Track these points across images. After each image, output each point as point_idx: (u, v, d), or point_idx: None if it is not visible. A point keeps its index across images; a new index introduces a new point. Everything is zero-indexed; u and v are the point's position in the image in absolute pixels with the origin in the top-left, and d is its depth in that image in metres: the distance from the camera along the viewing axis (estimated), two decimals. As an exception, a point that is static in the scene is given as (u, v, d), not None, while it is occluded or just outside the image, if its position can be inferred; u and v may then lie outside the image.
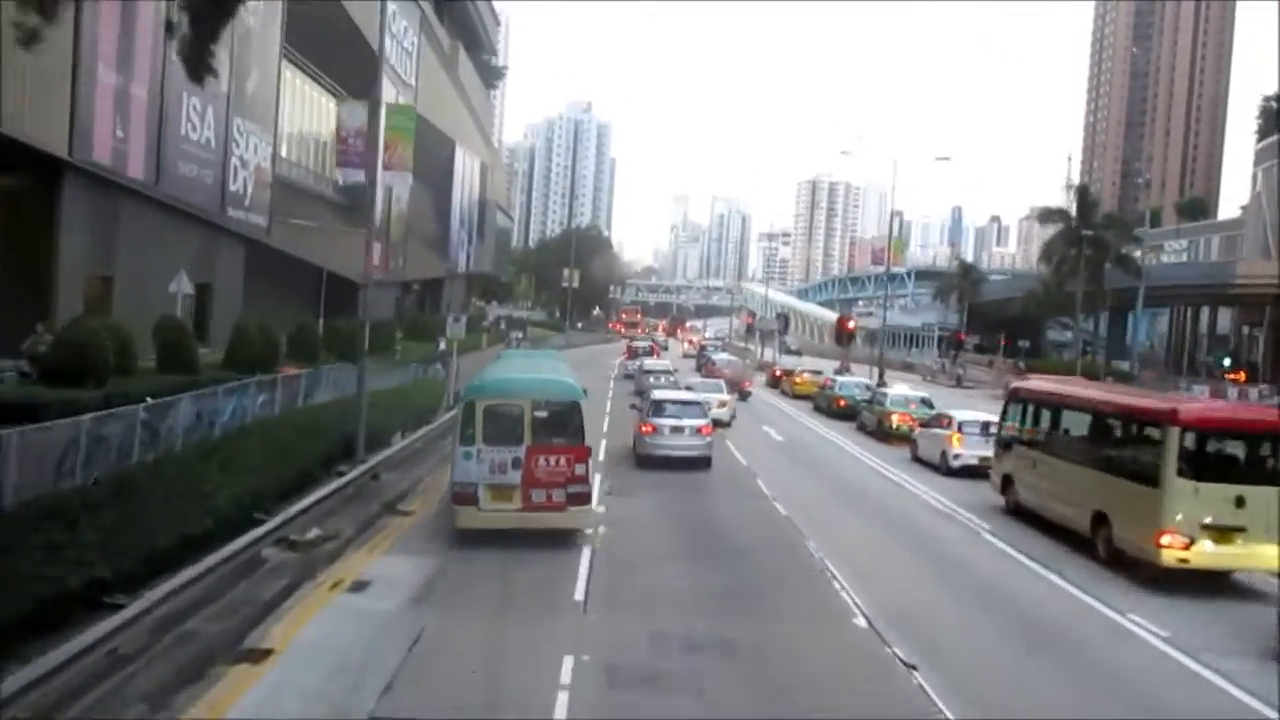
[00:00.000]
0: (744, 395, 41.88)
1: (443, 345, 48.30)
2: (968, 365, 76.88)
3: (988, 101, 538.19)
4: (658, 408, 24.24)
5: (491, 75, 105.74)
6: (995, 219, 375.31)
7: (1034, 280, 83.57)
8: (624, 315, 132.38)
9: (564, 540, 15.76)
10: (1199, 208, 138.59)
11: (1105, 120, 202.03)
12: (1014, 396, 20.84)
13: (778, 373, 47.79)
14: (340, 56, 48.40)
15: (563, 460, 15.39)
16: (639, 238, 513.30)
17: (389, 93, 59.88)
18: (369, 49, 57.51)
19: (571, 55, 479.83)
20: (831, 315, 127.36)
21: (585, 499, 15.75)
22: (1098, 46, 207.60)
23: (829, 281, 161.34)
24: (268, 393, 21.76)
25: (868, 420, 31.32)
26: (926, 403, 29.51)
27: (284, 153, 46.32)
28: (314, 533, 15.08)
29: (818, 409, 37.97)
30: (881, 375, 47.12)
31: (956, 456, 23.55)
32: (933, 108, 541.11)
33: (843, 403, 34.89)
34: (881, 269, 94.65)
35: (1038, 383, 22.49)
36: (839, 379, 37.43)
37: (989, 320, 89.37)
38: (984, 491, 21.27)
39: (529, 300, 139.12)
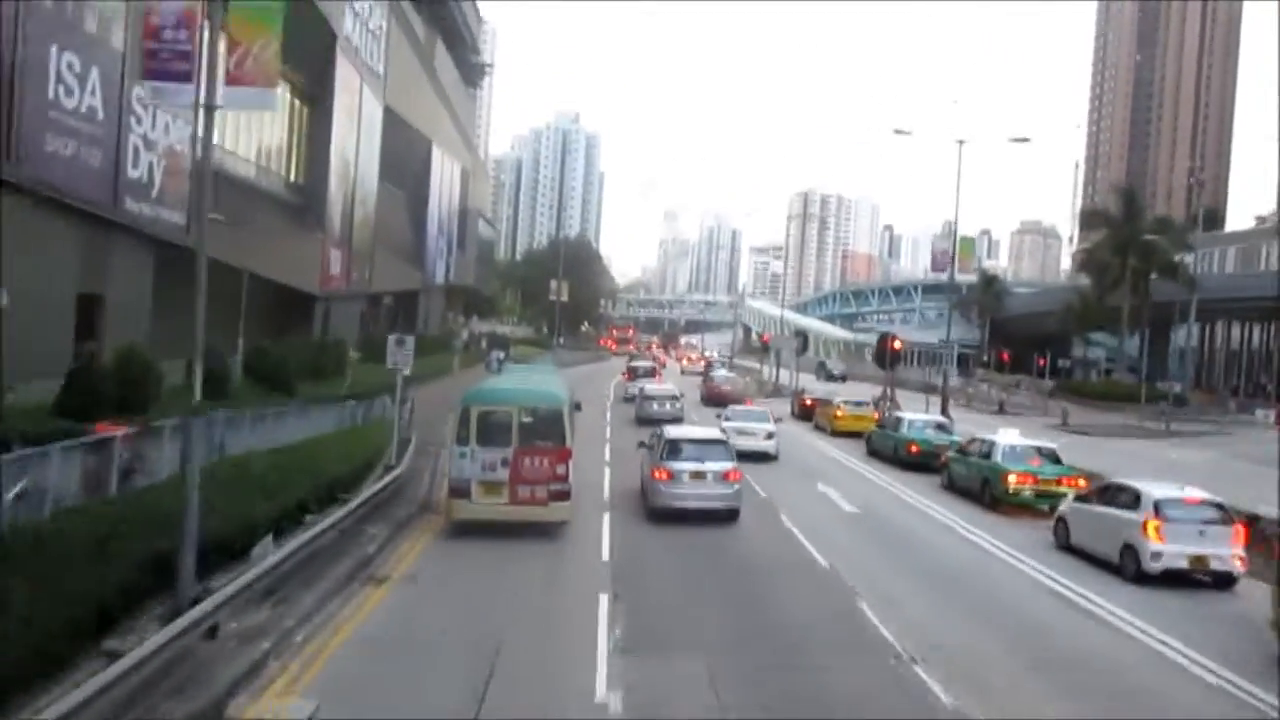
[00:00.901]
0: None
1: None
2: (993, 387, 69.79)
3: (978, 111, 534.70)
4: (673, 449, 19.37)
5: (474, 73, 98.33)
6: (985, 232, 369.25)
7: (1065, 293, 76.59)
8: (615, 331, 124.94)
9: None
10: (1211, 219, 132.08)
11: (1109, 129, 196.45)
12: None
13: (808, 402, 40.22)
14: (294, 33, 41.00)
15: (546, 461, 17.27)
16: (627, 252, 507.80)
17: (353, 81, 52.63)
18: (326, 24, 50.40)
19: (557, 71, 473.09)
20: (839, 332, 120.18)
21: (566, 495, 17.55)
22: (1100, 53, 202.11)
23: (828, 296, 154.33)
24: (87, 459, 13.87)
25: (962, 477, 23.54)
26: (1051, 456, 21.72)
27: (218, 138, 38.90)
28: None
29: (874, 453, 30.33)
30: (945, 407, 39.58)
31: (1156, 555, 15.29)
32: (922, 118, 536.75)
33: (915, 449, 27.44)
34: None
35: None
36: (907, 417, 29.50)
37: (1012, 336, 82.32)
38: (1218, 610, 14.33)
39: (514, 315, 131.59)
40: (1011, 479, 20.83)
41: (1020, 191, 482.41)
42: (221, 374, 23.98)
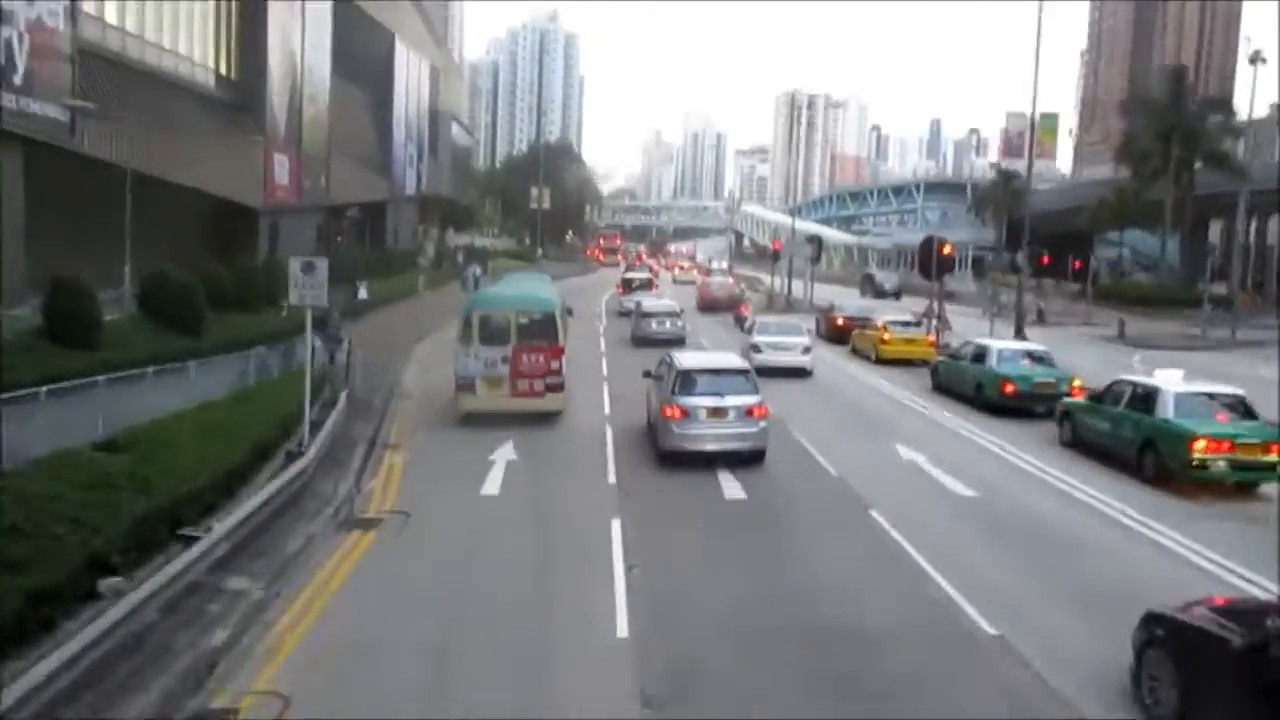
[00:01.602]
0: (740, 320, 38.25)
1: (362, 293, 34.93)
2: (1000, 292, 64.07)
3: (965, 9, 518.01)
4: (687, 382, 16.35)
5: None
6: (974, 131, 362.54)
7: (1091, 188, 70.35)
8: (602, 240, 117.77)
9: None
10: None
11: (1113, 16, 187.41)
12: None
13: (840, 321, 33.43)
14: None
15: (541, 358, 19.40)
16: (610, 159, 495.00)
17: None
18: None
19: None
20: (841, 236, 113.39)
21: (560, 388, 19.72)
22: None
23: (823, 198, 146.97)
24: None
25: (1101, 435, 17.12)
26: (1240, 407, 15.29)
27: (125, 21, 32.05)
28: None
29: (942, 389, 23.98)
30: (1020, 327, 33.35)
31: None
32: (912, 18, 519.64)
33: (1011, 388, 21.12)
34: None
35: None
36: (993, 345, 22.97)
37: (1030, 237, 75.90)
38: None
39: (495, 227, 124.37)
40: (1199, 445, 14.46)
41: (1010, 87, 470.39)
42: (84, 312, 17.84)
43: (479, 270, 53.44)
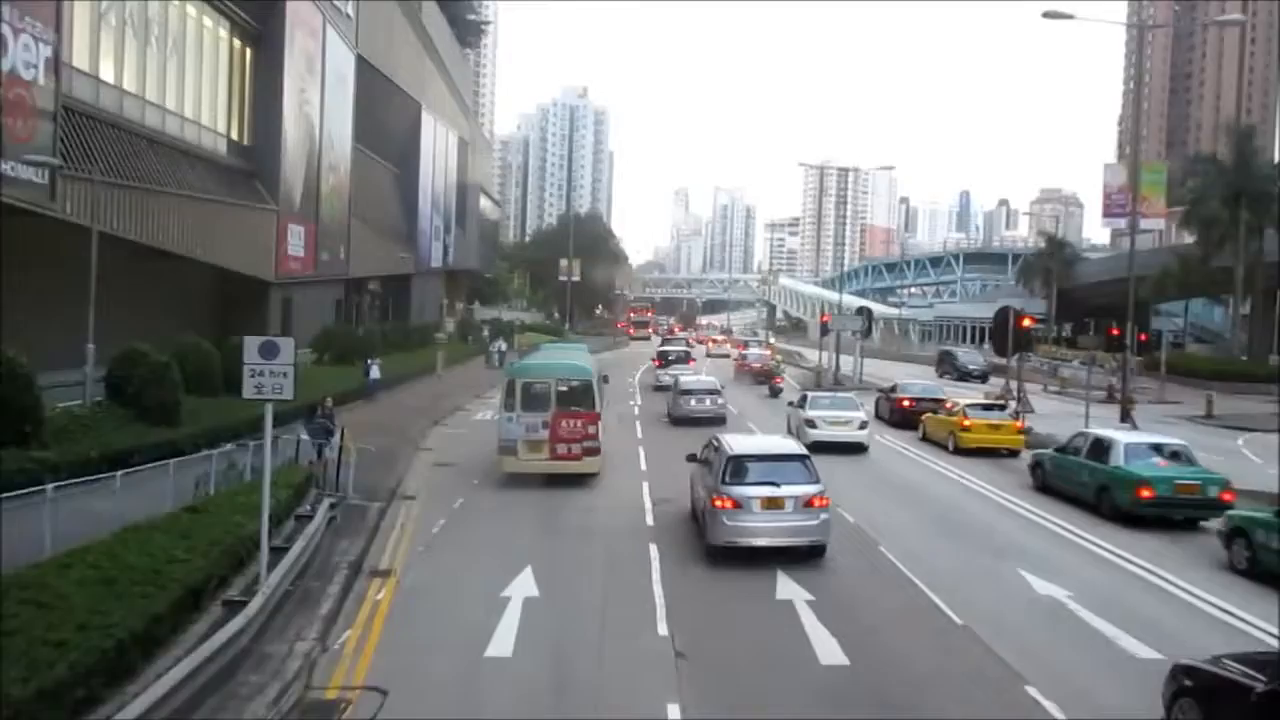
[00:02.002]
0: (775, 391, 40.23)
1: (374, 373, 31.93)
2: (1056, 366, 60.22)
3: (992, 81, 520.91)
4: (738, 469, 14.82)
5: (469, 31, 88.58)
6: (1004, 202, 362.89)
7: (1149, 256, 66.43)
8: (632, 314, 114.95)
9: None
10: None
11: (1149, 83, 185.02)
12: None
13: (906, 403, 29.49)
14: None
15: (579, 423, 20.46)
16: (639, 233, 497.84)
17: (311, 19, 43.24)
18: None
19: (562, 50, 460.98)
20: (880, 308, 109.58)
21: (596, 451, 20.73)
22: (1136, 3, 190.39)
23: (858, 269, 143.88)
24: None
25: None
26: None
27: (125, 82, 29.64)
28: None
29: (1049, 490, 19.86)
30: (1126, 413, 28.86)
31: None
32: (937, 89, 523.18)
33: (1147, 493, 16.52)
34: (974, 242, 76.78)
35: None
36: (1119, 437, 18.33)
37: (1079, 307, 72.11)
38: None
39: (523, 300, 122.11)
40: None
41: (1039, 161, 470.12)
42: (16, 401, 14.62)
43: (504, 345, 50.46)
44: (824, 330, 42.13)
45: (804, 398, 28.36)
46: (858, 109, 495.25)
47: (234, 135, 38.13)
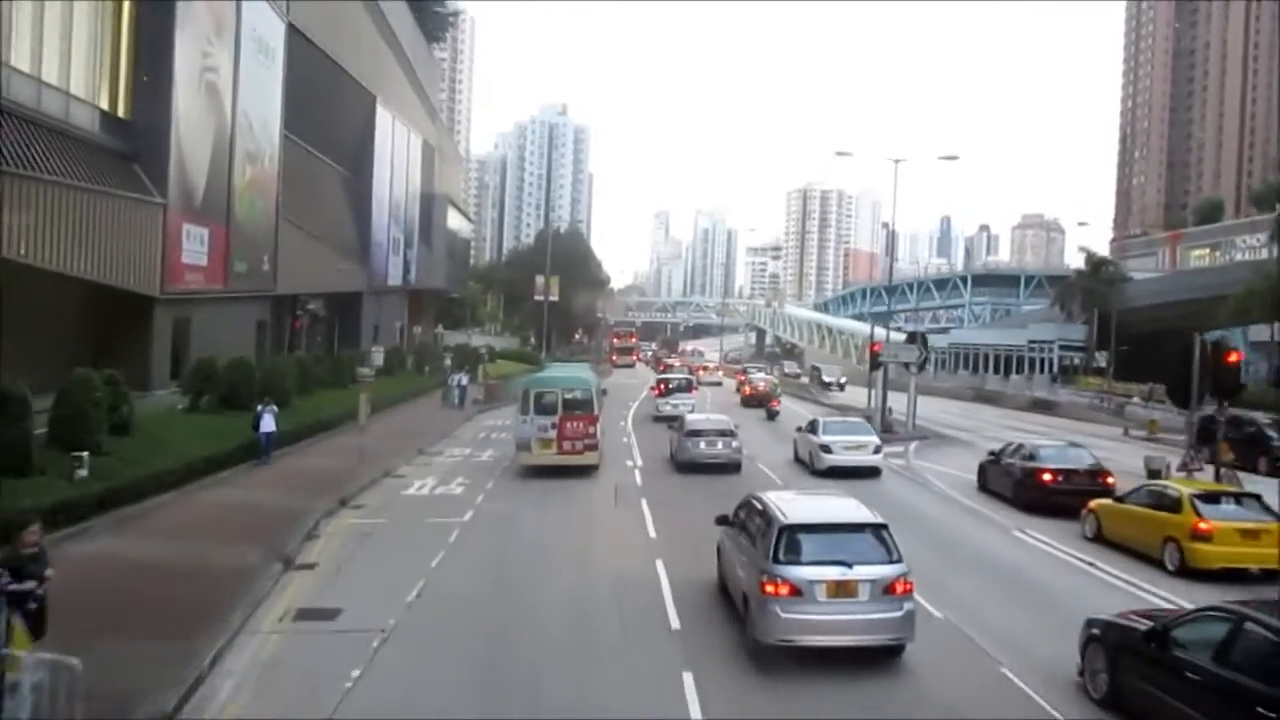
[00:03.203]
0: (772, 414, 41.21)
1: (266, 423, 22.62)
2: (1120, 403, 52.18)
3: (972, 105, 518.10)
4: (793, 542, 11.34)
5: (436, 24, 79.97)
6: (984, 228, 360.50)
7: (1207, 276, 58.65)
8: (615, 339, 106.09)
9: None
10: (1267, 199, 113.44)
11: (1147, 104, 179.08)
12: None
13: (1047, 477, 19.97)
14: None
15: (582, 424, 24.53)
16: (618, 257, 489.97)
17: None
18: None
19: (540, 68, 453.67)
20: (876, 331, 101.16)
21: (595, 447, 24.84)
22: (1134, 22, 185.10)
23: (855, 292, 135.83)
24: None
25: None
26: None
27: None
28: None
29: None
30: None
31: None
32: (917, 113, 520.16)
33: None
34: (988, 266, 68.32)
35: None
36: None
37: (1124, 333, 63.92)
38: None
39: (497, 323, 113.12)
40: None
41: (1017, 185, 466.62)
42: None
43: (465, 379, 41.43)
44: (875, 363, 33.15)
45: (814, 423, 27.88)
46: (838, 132, 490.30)
47: (107, 106, 29.21)
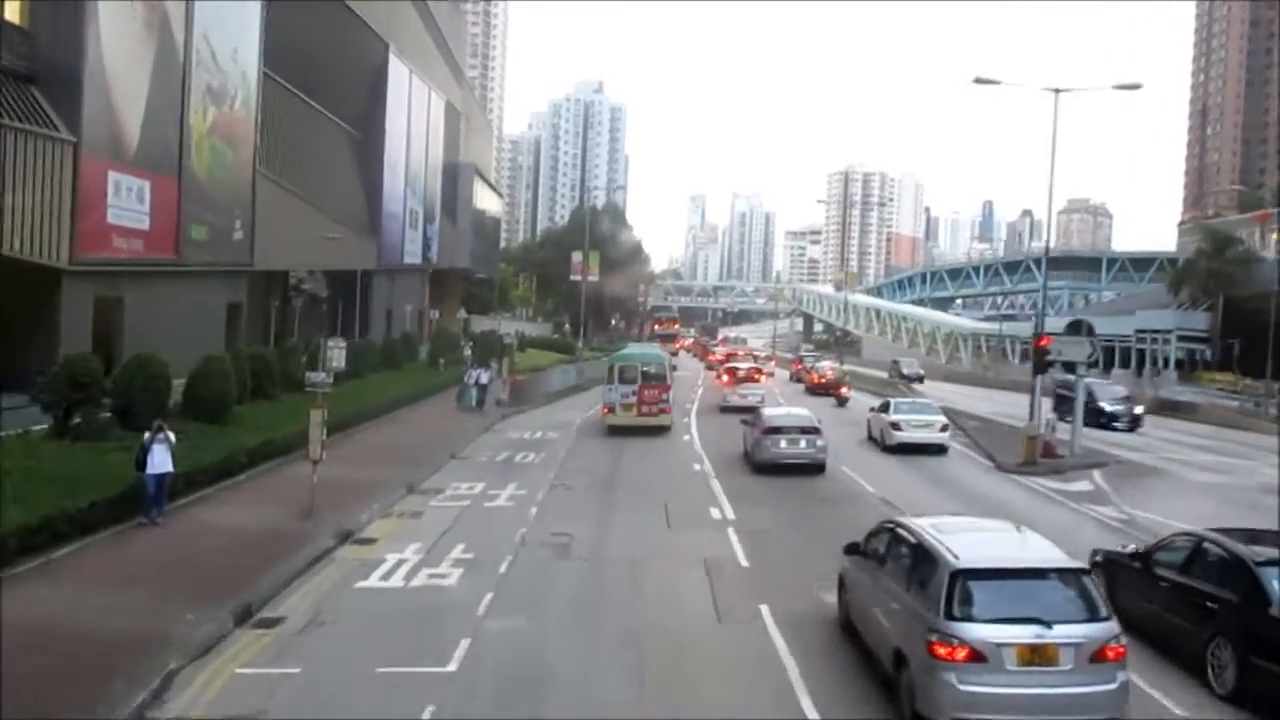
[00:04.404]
0: (841, 401, 42.14)
1: (157, 461, 14.53)
2: (1260, 402, 43.40)
3: (1013, 87, 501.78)
4: (966, 593, 9.12)
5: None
6: (1027, 213, 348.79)
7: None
8: (656, 325, 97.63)
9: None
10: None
11: (1220, 76, 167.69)
12: None
13: None
14: None
15: (657, 391, 29.52)
16: (654, 241, 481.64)
17: None
18: None
19: (574, 49, 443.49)
20: (958, 321, 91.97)
21: (668, 410, 29.92)
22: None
23: (912, 277, 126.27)
24: None
25: None
26: None
27: None
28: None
29: None
30: None
31: None
32: (957, 96, 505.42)
33: None
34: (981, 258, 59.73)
35: None
36: None
37: (1252, 321, 54.47)
38: None
39: (528, 308, 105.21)
40: None
41: (1065, 169, 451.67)
42: None
43: (485, 375, 33.37)
44: (1041, 363, 24.76)
45: (886, 404, 29.62)
46: (876, 115, 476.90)
47: (6, 15, 21.48)
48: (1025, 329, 79.78)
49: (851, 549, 11.58)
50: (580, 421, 31.64)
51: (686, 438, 28.63)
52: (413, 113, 55.99)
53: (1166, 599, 10.92)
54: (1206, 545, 10.82)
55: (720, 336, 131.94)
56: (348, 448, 21.73)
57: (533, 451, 24.79)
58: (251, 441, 18.49)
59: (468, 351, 45.81)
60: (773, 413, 26.12)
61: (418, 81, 56.38)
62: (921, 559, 9.82)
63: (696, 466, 23.62)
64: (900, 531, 10.58)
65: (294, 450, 18.68)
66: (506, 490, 19.04)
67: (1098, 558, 12.36)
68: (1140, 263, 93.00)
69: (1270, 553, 10.30)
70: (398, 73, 51.88)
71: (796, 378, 55.13)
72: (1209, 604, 10.17)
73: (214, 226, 29.92)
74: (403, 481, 18.98)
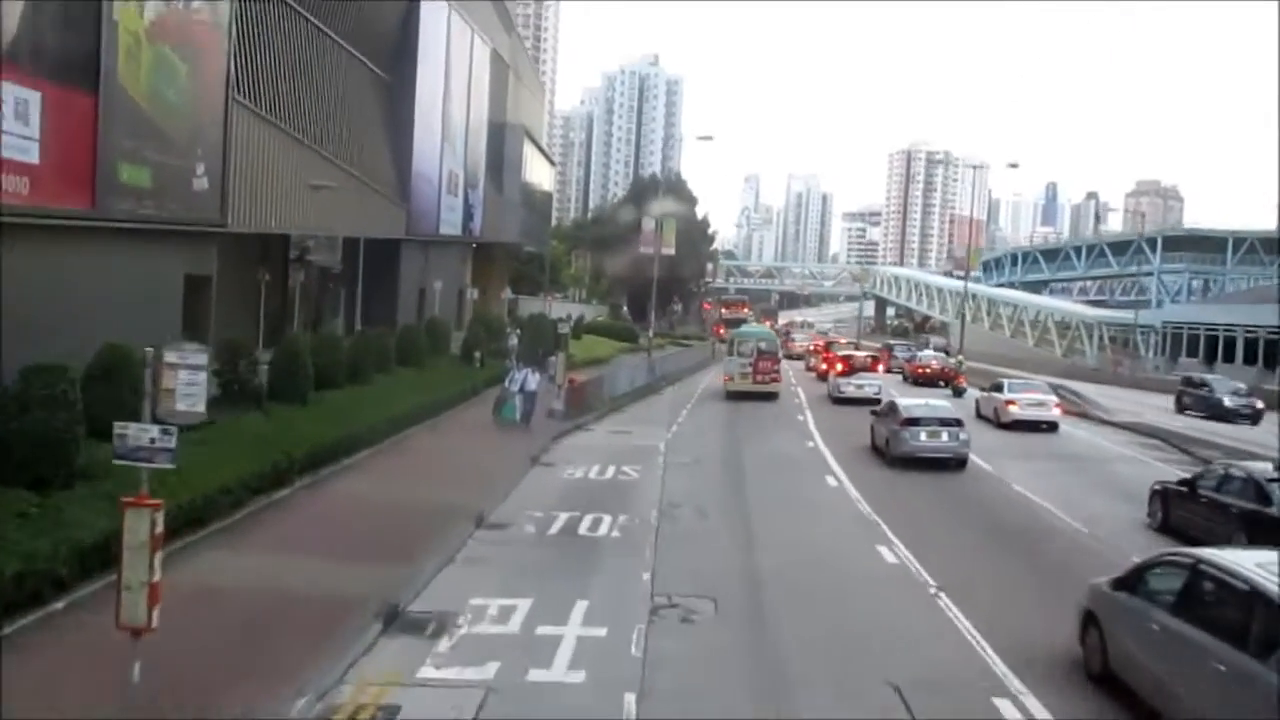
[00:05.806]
0: (959, 391, 41.59)
1: None
2: None
3: (1079, 65, 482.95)
4: None
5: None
6: (1092, 195, 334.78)
7: None
8: (725, 310, 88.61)
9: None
10: None
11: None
12: None
13: None
14: None
15: (769, 363, 36.91)
16: (710, 219, 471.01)
17: None
18: None
19: (625, 26, 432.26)
20: (1075, 308, 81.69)
21: (779, 379, 37.67)
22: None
23: (1002, 258, 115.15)
24: None
25: None
26: None
27: None
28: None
29: None
30: None
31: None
32: (1018, 77, 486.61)
33: None
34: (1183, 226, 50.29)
35: None
36: None
37: None
38: None
39: (582, 288, 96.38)
40: None
41: (1128, 152, 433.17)
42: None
43: (532, 379, 24.45)
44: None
45: (999, 384, 32.83)
46: (934, 94, 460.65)
47: None
48: (1139, 317, 69.29)
49: (1120, 584, 10.15)
50: (667, 443, 22.65)
51: (810, 444, 25.87)
52: (452, 59, 47.21)
53: (1204, 510, 15.65)
54: (1233, 470, 16.17)
55: (784, 320, 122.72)
56: (288, 519, 13.04)
57: (606, 511, 15.95)
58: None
59: (514, 340, 37.09)
60: (910, 403, 24.89)
61: (458, 20, 47.59)
62: (1254, 606, 7.85)
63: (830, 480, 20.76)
64: (1212, 571, 8.72)
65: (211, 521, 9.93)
66: (572, 620, 10.16)
67: (1156, 487, 17.70)
68: (1272, 244, 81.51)
69: (1275, 474, 15.12)
70: (433, 7, 43.13)
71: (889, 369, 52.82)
72: (1231, 509, 14.96)
73: (162, 169, 21.36)
74: (369, 602, 10.04)
